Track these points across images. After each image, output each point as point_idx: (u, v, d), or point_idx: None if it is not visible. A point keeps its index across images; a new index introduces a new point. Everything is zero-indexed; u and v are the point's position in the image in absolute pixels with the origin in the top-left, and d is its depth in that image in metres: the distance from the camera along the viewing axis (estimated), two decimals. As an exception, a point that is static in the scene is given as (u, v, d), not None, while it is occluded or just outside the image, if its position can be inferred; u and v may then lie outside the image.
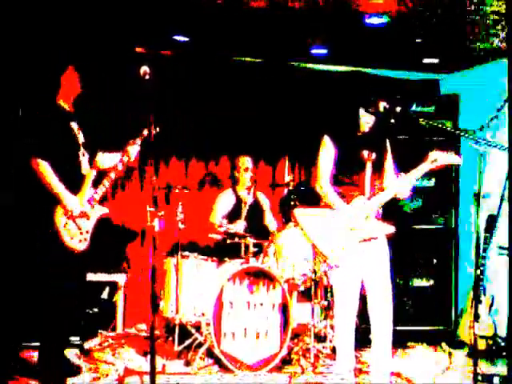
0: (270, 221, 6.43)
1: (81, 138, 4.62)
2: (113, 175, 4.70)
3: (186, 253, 5.76)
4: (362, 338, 5.07)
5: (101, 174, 4.69)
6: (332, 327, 5.78)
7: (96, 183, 4.64)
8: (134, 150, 4.76)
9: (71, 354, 5.24)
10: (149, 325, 4.10)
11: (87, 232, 4.51)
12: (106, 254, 6.12)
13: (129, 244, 6.75)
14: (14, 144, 5.15)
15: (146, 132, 4.73)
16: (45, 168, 4.36)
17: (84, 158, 4.62)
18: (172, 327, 5.70)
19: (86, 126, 4.66)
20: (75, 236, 4.44)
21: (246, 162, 6.30)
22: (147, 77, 4.20)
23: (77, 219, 4.46)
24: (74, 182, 4.50)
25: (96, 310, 6.02)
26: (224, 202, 6.31)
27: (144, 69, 4.19)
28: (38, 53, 5.72)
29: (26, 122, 4.63)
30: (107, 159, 4.77)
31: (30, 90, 5.36)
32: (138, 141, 4.78)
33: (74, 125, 4.60)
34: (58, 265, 4.40)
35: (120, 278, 6.25)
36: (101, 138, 4.82)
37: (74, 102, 4.61)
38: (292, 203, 5.91)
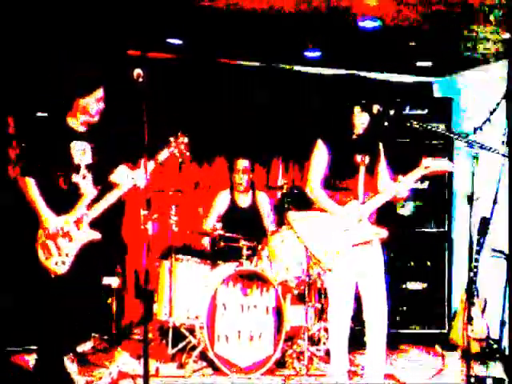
0: (269, 223, 6.41)
1: (85, 160, 4.41)
2: (112, 196, 4.41)
3: (180, 256, 5.76)
4: (356, 341, 5.08)
5: (101, 195, 4.44)
6: (326, 330, 5.79)
7: (91, 205, 4.40)
8: (142, 176, 4.36)
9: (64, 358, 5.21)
10: (142, 328, 4.09)
11: (67, 255, 4.25)
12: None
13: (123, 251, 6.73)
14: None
15: (165, 154, 4.56)
16: (30, 185, 4.24)
17: (83, 180, 4.39)
18: (165, 330, 5.70)
19: (96, 145, 4.46)
20: (52, 257, 4.22)
21: (243, 163, 6.31)
22: (140, 79, 4.20)
23: (58, 239, 4.25)
24: (64, 202, 4.31)
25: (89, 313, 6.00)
26: (220, 202, 6.32)
27: (137, 71, 4.19)
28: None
29: (21, 136, 4.49)
30: (120, 175, 4.51)
31: (40, 105, 5.26)
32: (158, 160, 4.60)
33: (77, 145, 4.39)
34: (35, 282, 4.29)
35: (113, 282, 6.23)
36: (112, 157, 4.55)
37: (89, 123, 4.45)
38: (286, 206, 5.91)
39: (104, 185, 4.49)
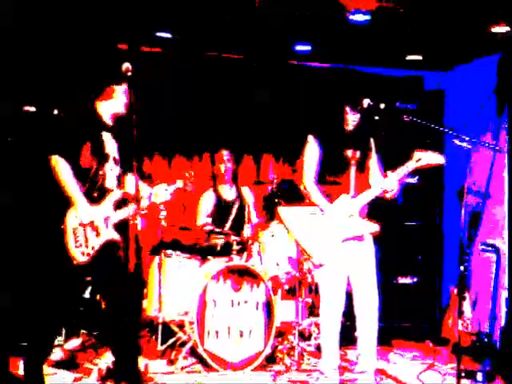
0: (253, 218, 6.42)
1: (112, 152, 4.41)
2: (134, 207, 4.35)
3: (169, 251, 5.75)
4: (347, 336, 5.10)
5: (124, 199, 4.44)
6: (317, 325, 5.80)
7: (119, 206, 4.40)
8: (164, 194, 4.58)
9: (53, 354, 5.20)
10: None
11: (92, 248, 4.26)
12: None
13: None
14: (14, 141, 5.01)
15: (180, 184, 4.63)
16: (63, 167, 4.18)
17: (111, 173, 4.40)
18: (155, 326, 5.69)
19: (122, 141, 4.45)
20: (80, 246, 4.23)
21: (223, 154, 6.30)
22: (129, 73, 4.19)
23: (87, 230, 4.25)
24: (91, 192, 4.30)
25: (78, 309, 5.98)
26: (205, 203, 6.31)
27: (126, 65, 4.18)
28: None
29: (56, 119, 4.42)
30: (135, 185, 4.38)
31: (70, 88, 5.20)
32: (172, 188, 4.62)
33: (106, 136, 4.40)
34: (55, 268, 4.27)
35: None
36: (135, 157, 4.44)
37: (116, 116, 4.46)
38: (276, 201, 5.91)
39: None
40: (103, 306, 4.38)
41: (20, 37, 5.52)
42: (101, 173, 4.35)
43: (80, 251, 4.23)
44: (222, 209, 6.26)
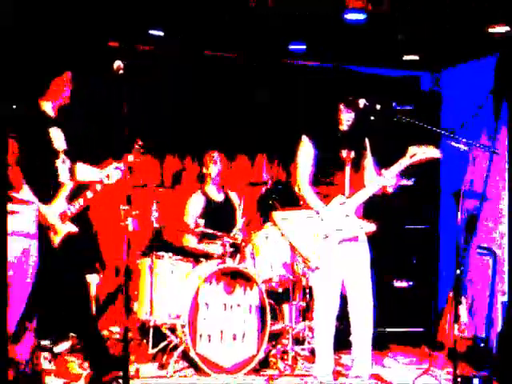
0: (240, 218, 6.40)
1: (62, 145, 4.49)
2: (90, 195, 4.56)
3: (161, 253, 5.74)
4: (342, 340, 5.09)
5: (78, 189, 4.56)
6: (311, 329, 5.80)
7: (71, 198, 4.52)
8: (116, 174, 4.64)
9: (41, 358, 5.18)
10: (122, 327, 4.07)
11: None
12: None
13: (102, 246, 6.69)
14: None
15: (131, 158, 4.61)
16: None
17: (63, 166, 4.49)
18: (146, 329, 5.67)
19: (68, 132, 4.54)
20: None
21: (213, 156, 6.29)
22: (121, 72, 4.18)
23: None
24: (47, 190, 4.38)
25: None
26: (193, 206, 6.28)
27: (118, 64, 4.17)
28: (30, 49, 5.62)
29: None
30: (86, 172, 4.61)
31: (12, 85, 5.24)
32: (122, 166, 4.65)
33: (53, 130, 4.47)
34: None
35: (92, 279, 6.20)
36: (83, 146, 4.69)
37: (59, 107, 4.53)
38: (270, 202, 5.91)
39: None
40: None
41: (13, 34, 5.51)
42: (55, 167, 4.44)
43: None
44: (211, 211, 6.24)
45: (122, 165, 4.63)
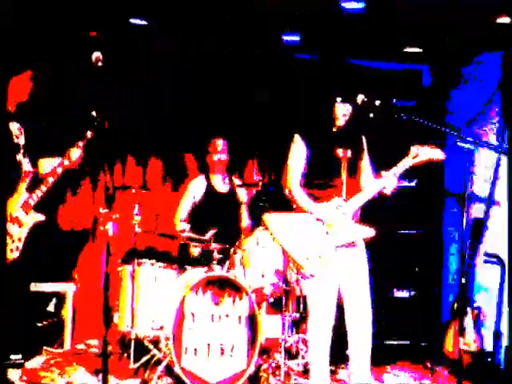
0: (245, 221, 6.40)
1: (21, 140, 4.71)
2: (51, 179, 4.77)
3: (144, 259, 5.72)
4: (338, 354, 5.09)
5: (37, 179, 4.77)
6: (305, 342, 5.79)
7: (32, 188, 4.71)
8: (75, 153, 4.85)
9: (12, 374, 5.16)
10: (101, 340, 4.06)
11: (19, 240, 4.51)
12: (52, 261, 6.04)
13: (79, 251, 6.68)
14: None
15: (89, 134, 4.79)
16: None
17: (24, 160, 4.72)
18: (127, 342, 5.65)
19: (27, 127, 4.72)
20: (8, 244, 4.46)
21: (218, 143, 6.30)
22: (100, 64, 4.18)
23: (8, 226, 4.46)
24: (7, 183, 4.54)
25: (40, 324, 5.94)
26: (194, 189, 6.28)
27: (96, 55, 4.17)
28: None
29: None
30: (48, 164, 4.84)
31: None
32: (81, 143, 4.85)
33: (13, 125, 4.68)
34: None
35: (68, 288, 6.18)
36: (44, 140, 4.90)
37: (18, 104, 4.69)
38: (261, 205, 5.90)
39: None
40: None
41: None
42: (17, 161, 4.67)
43: (9, 248, 4.49)
44: (212, 201, 6.24)
45: (81, 143, 4.86)
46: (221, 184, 6.38)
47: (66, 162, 4.84)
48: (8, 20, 4.82)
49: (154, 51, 6.75)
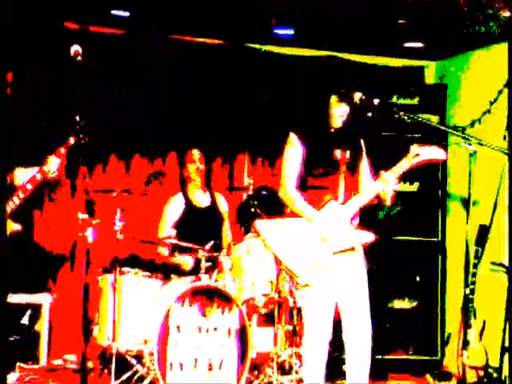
0: (227, 232, 6.40)
1: None
2: (29, 186, 4.74)
3: (126, 268, 5.70)
4: (335, 370, 5.08)
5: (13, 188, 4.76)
6: (298, 356, 5.78)
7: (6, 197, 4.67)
8: (55, 161, 4.79)
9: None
10: (80, 355, 4.03)
11: None
12: (27, 270, 6.02)
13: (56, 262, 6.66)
14: None
15: (72, 140, 4.73)
16: None
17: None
18: (108, 357, 5.62)
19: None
20: None
21: (194, 154, 6.29)
22: (79, 58, 4.16)
23: None
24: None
25: (14, 338, 5.91)
26: (173, 210, 6.27)
27: (75, 49, 4.15)
28: None
29: None
30: (25, 174, 4.80)
31: None
32: (63, 150, 4.79)
33: None
34: None
35: (44, 299, 6.15)
36: (21, 147, 4.87)
37: None
38: (252, 210, 5.90)
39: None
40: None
41: None
42: None
43: None
44: (192, 218, 6.21)
45: (63, 149, 4.78)
46: (201, 197, 6.37)
47: (46, 169, 4.78)
48: (8, 20, 4.81)
49: (136, 44, 6.75)
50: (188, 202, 6.31)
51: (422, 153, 4.56)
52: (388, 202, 4.63)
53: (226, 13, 6.11)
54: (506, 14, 5.82)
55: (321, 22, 6.30)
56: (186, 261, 5.98)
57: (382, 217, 6.82)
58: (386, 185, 4.57)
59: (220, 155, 7.12)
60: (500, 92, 6.53)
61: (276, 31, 6.57)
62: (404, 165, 4.57)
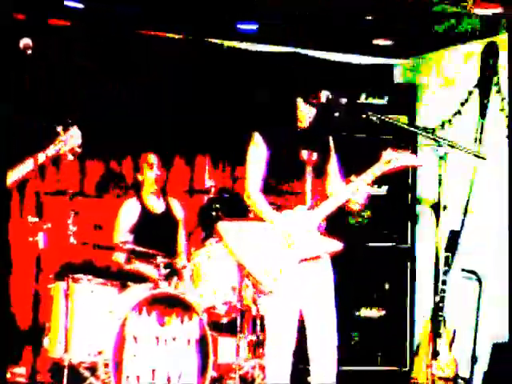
0: (182, 239, 6.39)
1: None
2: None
3: (80, 275, 5.66)
4: (300, 381, 5.10)
5: None
6: (262, 368, 5.79)
7: None
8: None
9: None
10: (29, 368, 4.00)
11: None
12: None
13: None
14: None
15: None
16: None
17: None
18: (60, 370, 5.59)
19: None
20: None
21: (150, 159, 6.26)
22: (29, 52, 4.14)
23: None
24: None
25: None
26: (127, 214, 6.23)
27: (25, 42, 4.13)
28: None
29: None
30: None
31: None
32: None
33: None
34: None
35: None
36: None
37: None
38: (214, 214, 5.90)
39: None
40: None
41: None
42: None
43: None
44: (146, 223, 6.20)
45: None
46: (155, 203, 6.35)
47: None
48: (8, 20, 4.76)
49: (90, 37, 6.72)
50: (143, 206, 6.29)
51: (394, 159, 4.58)
52: (356, 209, 4.66)
53: (187, 6, 6.11)
54: (479, 11, 5.89)
55: (286, 18, 6.32)
56: (150, 271, 5.94)
57: (349, 222, 6.87)
58: (356, 192, 4.58)
59: (179, 157, 7.10)
60: (470, 93, 6.62)
61: (239, 26, 6.58)
62: (375, 171, 4.57)
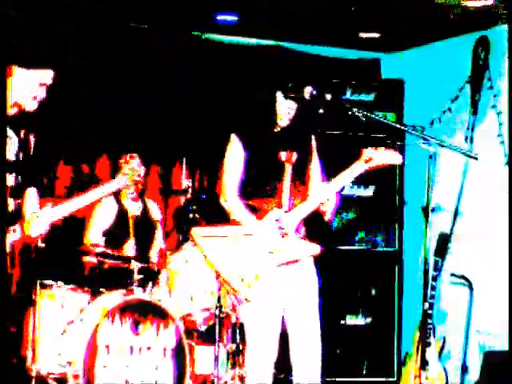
0: (160, 241, 6.40)
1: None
2: None
3: (48, 281, 5.66)
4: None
5: None
6: (242, 378, 5.80)
7: None
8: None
9: None
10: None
11: None
12: None
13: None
14: None
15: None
16: None
17: None
18: (27, 381, 5.57)
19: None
20: None
21: (131, 161, 6.25)
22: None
23: None
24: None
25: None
26: (102, 214, 6.23)
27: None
28: None
29: None
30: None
31: None
32: None
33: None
34: None
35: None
36: None
37: None
38: (191, 216, 5.90)
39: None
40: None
41: None
42: None
43: None
44: (122, 225, 6.21)
45: None
46: (132, 204, 6.35)
47: None
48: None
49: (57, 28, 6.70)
50: (121, 208, 6.29)
51: (375, 157, 4.58)
52: (328, 216, 4.67)
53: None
54: (471, 3, 5.94)
55: (267, 9, 6.33)
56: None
57: (333, 224, 6.89)
58: (330, 192, 4.59)
59: (155, 157, 7.10)
60: (461, 89, 6.66)
61: (218, 17, 6.58)
62: (355, 170, 4.58)
